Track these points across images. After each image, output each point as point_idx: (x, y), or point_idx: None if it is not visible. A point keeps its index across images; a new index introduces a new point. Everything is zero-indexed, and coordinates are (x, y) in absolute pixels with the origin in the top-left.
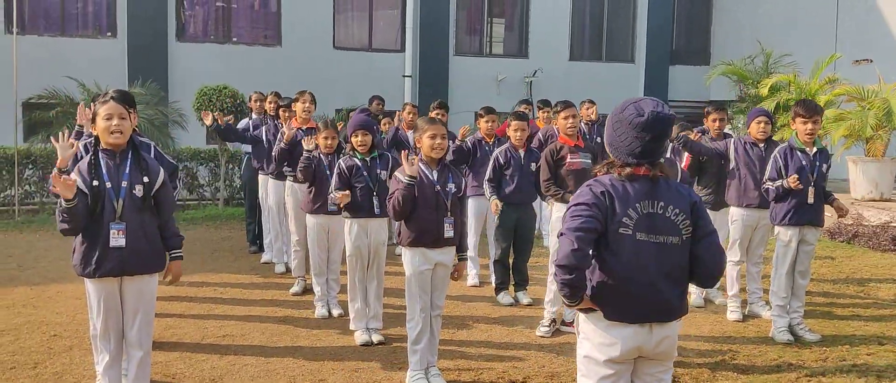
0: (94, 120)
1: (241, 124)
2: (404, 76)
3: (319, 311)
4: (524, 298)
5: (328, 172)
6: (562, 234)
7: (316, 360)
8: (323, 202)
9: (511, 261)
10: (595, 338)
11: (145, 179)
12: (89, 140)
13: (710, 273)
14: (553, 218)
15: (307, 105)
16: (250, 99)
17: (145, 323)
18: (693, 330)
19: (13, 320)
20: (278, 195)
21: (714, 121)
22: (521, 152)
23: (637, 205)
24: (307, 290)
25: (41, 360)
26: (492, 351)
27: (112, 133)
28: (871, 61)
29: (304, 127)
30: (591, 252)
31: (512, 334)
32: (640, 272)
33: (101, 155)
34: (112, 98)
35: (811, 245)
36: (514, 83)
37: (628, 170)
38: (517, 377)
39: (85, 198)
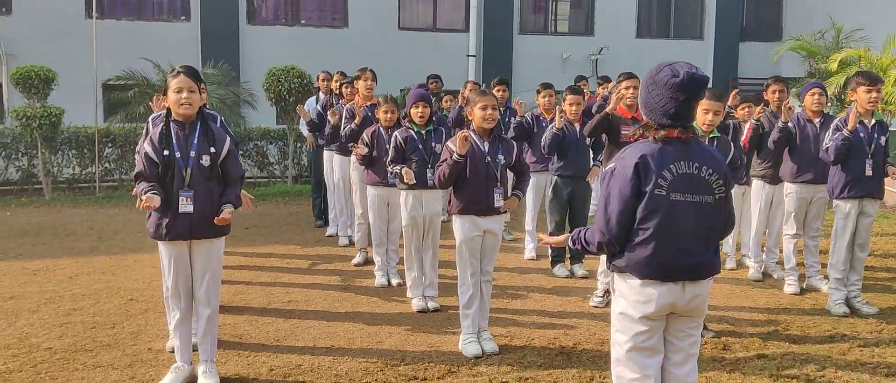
0: (165, 92)
1: (309, 103)
2: (468, 56)
3: (379, 280)
4: (579, 270)
5: (388, 145)
6: (599, 221)
7: (374, 324)
8: (383, 174)
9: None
10: (630, 296)
11: (212, 150)
12: (159, 114)
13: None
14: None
15: (369, 82)
16: (318, 78)
17: (212, 284)
18: (748, 302)
19: (93, 286)
20: (343, 170)
21: (773, 92)
22: (577, 126)
23: (672, 166)
24: (368, 261)
25: (119, 321)
26: (545, 319)
27: (181, 105)
28: None
29: (369, 103)
30: (629, 227)
31: (565, 304)
32: (674, 231)
33: (171, 125)
34: (180, 72)
35: (870, 217)
36: (579, 61)
37: (662, 133)
38: (567, 343)
39: (155, 167)
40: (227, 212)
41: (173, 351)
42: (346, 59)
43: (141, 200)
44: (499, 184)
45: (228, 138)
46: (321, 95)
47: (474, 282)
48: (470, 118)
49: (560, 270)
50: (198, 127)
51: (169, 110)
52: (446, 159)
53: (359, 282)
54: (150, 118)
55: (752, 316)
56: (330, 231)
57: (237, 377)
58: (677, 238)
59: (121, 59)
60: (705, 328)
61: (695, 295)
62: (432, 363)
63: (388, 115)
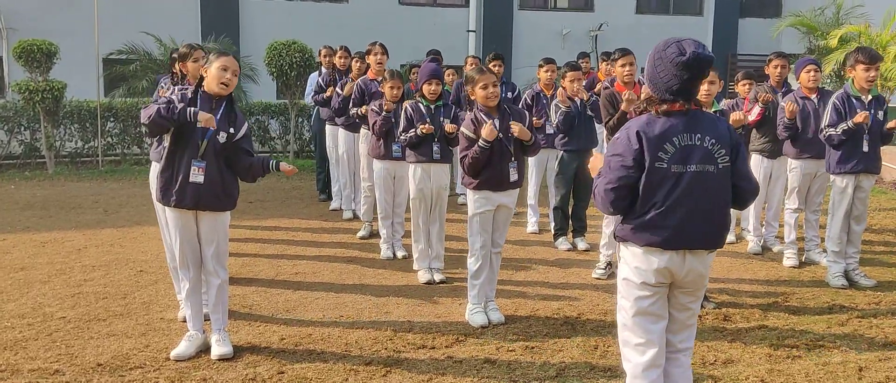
0: (183, 59)
1: (311, 78)
2: (468, 31)
3: (385, 253)
4: (581, 244)
5: (394, 120)
6: (597, 187)
7: (382, 296)
8: (389, 148)
9: (570, 208)
10: (632, 262)
11: (231, 130)
12: (186, 89)
13: (743, 196)
14: None
15: (379, 57)
16: (320, 53)
17: (219, 254)
18: (748, 275)
19: (103, 257)
20: (348, 144)
21: (775, 67)
22: (579, 100)
23: (674, 138)
24: (373, 234)
25: (129, 291)
26: (548, 290)
27: (222, 83)
28: None
29: (379, 79)
30: (626, 196)
31: (567, 276)
32: (675, 202)
33: (200, 96)
34: (230, 54)
35: (866, 191)
36: (579, 37)
37: (664, 106)
38: (572, 313)
39: (172, 114)
40: (284, 164)
41: (185, 320)
42: (347, 34)
43: (193, 116)
44: (513, 158)
45: (246, 121)
46: (323, 70)
47: (484, 254)
48: (472, 97)
49: (563, 244)
50: (223, 105)
51: (199, 81)
52: (474, 149)
53: (364, 254)
54: (163, 82)
55: (752, 287)
56: (333, 205)
57: (249, 345)
58: (679, 209)
59: (122, 33)
60: (707, 299)
61: (693, 268)
62: (440, 332)
63: (394, 91)
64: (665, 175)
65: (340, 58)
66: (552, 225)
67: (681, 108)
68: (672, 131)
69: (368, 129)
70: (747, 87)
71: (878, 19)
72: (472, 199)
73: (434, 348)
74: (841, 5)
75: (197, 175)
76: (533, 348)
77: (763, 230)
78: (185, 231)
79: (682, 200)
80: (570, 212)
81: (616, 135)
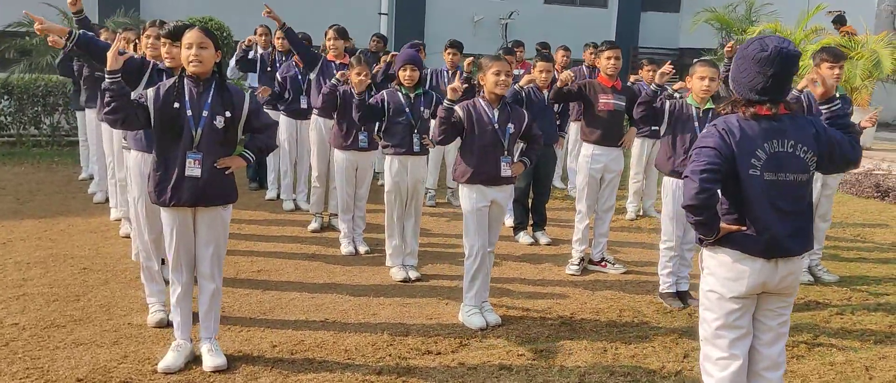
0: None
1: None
2: (380, 14)
3: (346, 248)
4: (543, 238)
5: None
6: (686, 177)
7: (360, 295)
8: (353, 138)
9: (530, 201)
10: (720, 273)
11: (227, 114)
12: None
13: (846, 156)
14: (581, 155)
15: (332, 42)
16: (256, 32)
17: (217, 256)
18: None
19: (35, 253)
20: (290, 132)
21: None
22: (545, 92)
23: (765, 144)
24: (325, 227)
25: (82, 293)
26: (529, 287)
27: (191, 62)
28: (844, 13)
29: (338, 61)
30: (718, 191)
31: (542, 271)
32: (767, 210)
33: (185, 81)
34: (191, 26)
35: (831, 188)
36: (490, 24)
37: (752, 110)
38: (565, 313)
39: (145, 112)
40: (238, 160)
41: (158, 326)
42: (253, 13)
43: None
44: (506, 152)
45: (246, 96)
46: (260, 50)
47: (481, 255)
48: (482, 82)
49: (524, 237)
50: (213, 86)
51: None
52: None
53: (324, 250)
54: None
55: None
56: (269, 194)
57: (241, 354)
58: (771, 216)
59: (18, 3)
60: (691, 297)
61: (788, 272)
62: (440, 336)
63: (361, 77)
64: (756, 183)
65: (261, 35)
66: (511, 218)
67: (768, 113)
68: (762, 136)
69: (319, 116)
70: (651, 73)
71: (787, 16)
72: (466, 196)
73: (440, 353)
74: (752, 3)
75: (193, 168)
76: (542, 352)
77: None
78: (183, 231)
79: (776, 210)
80: (529, 206)
81: (705, 131)
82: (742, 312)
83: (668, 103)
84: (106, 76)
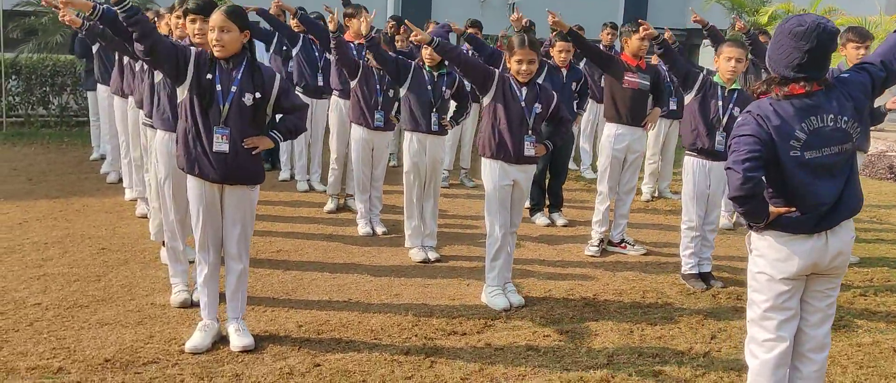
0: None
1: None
2: None
3: (363, 229)
4: (560, 220)
5: (378, 85)
6: (729, 168)
7: (382, 276)
8: (369, 114)
9: (547, 182)
10: (770, 255)
11: (258, 94)
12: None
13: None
14: (604, 136)
15: (346, 21)
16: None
17: (244, 237)
18: (732, 252)
19: (52, 233)
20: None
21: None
22: (564, 72)
23: (802, 124)
24: (340, 209)
25: (102, 273)
26: (550, 269)
27: (214, 47)
28: None
29: (355, 42)
30: (762, 177)
31: (561, 253)
32: (812, 189)
33: (217, 60)
34: (209, 7)
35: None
36: (498, 4)
37: (785, 89)
38: (588, 294)
39: (176, 51)
40: (265, 140)
41: (182, 306)
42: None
43: None
44: (531, 132)
45: (277, 77)
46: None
47: (503, 235)
48: (508, 64)
49: (541, 219)
50: (243, 64)
51: None
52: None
53: (341, 231)
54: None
55: (732, 264)
56: (283, 175)
57: (267, 334)
58: (817, 194)
59: None
60: (713, 278)
61: (838, 252)
62: (464, 317)
63: (364, 22)
64: (798, 163)
65: (277, 15)
66: (528, 200)
67: (801, 91)
68: (800, 116)
69: (339, 98)
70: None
71: None
72: (488, 173)
73: (466, 334)
74: None
75: (220, 143)
76: (568, 332)
77: (732, 204)
78: (210, 209)
79: (822, 184)
80: (546, 187)
81: (740, 119)
82: (791, 294)
83: (703, 74)
84: (118, 9)
